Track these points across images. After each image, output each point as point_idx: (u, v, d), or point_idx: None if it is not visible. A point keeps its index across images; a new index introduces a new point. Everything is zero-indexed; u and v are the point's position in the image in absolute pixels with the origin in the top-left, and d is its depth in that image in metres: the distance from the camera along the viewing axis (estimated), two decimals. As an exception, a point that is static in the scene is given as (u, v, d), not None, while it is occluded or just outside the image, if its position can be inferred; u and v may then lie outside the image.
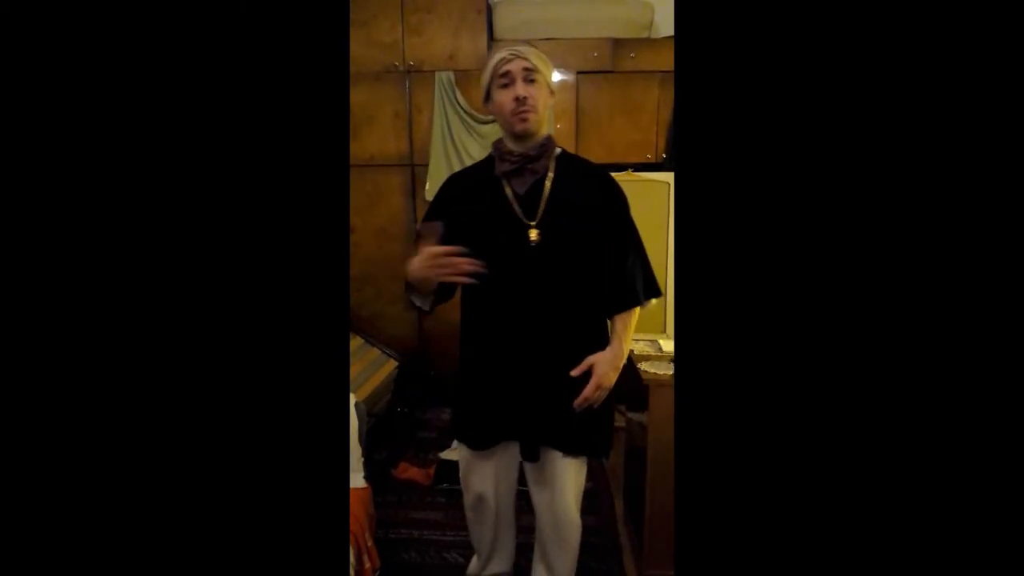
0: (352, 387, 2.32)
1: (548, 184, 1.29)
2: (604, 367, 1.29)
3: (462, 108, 2.94)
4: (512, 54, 1.23)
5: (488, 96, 1.29)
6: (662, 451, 1.67)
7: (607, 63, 2.90)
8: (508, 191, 1.30)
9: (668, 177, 2.16)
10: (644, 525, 1.75)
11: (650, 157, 2.94)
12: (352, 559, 1.55)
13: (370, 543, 1.68)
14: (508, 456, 1.44)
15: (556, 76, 2.96)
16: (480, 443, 1.43)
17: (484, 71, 1.28)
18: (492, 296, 1.29)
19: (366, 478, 1.81)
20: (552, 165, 1.30)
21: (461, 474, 1.52)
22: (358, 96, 2.97)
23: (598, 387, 1.28)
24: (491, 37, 2.98)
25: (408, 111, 3.02)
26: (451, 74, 2.93)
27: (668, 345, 1.93)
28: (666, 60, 2.84)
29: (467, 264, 1.16)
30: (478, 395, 1.39)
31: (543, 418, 1.34)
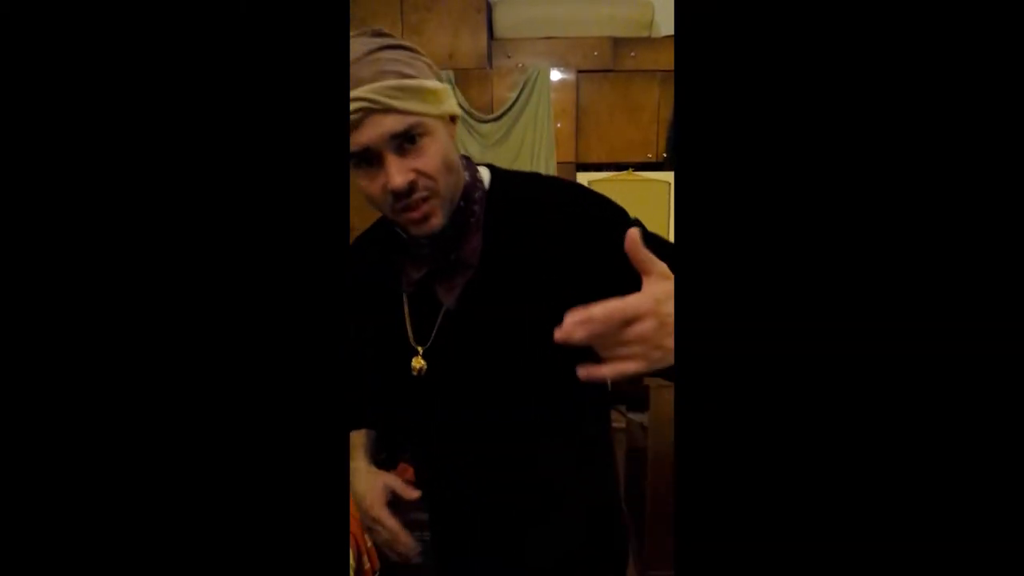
0: (352, 387, 2.32)
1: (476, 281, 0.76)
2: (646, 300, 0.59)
3: (462, 107, 2.94)
4: (363, 108, 0.63)
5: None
6: (662, 452, 1.67)
7: (607, 62, 2.90)
8: (406, 304, 0.81)
9: (668, 176, 2.15)
10: (644, 526, 1.76)
11: (651, 156, 2.94)
12: (352, 560, 1.55)
13: (370, 544, 1.68)
14: None
15: (556, 75, 2.96)
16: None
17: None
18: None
19: (365, 478, 1.81)
20: (481, 235, 0.76)
21: None
22: (358, 95, 2.98)
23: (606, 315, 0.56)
24: (491, 36, 2.98)
25: (408, 110, 3.02)
26: (451, 73, 2.93)
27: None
28: (666, 59, 2.84)
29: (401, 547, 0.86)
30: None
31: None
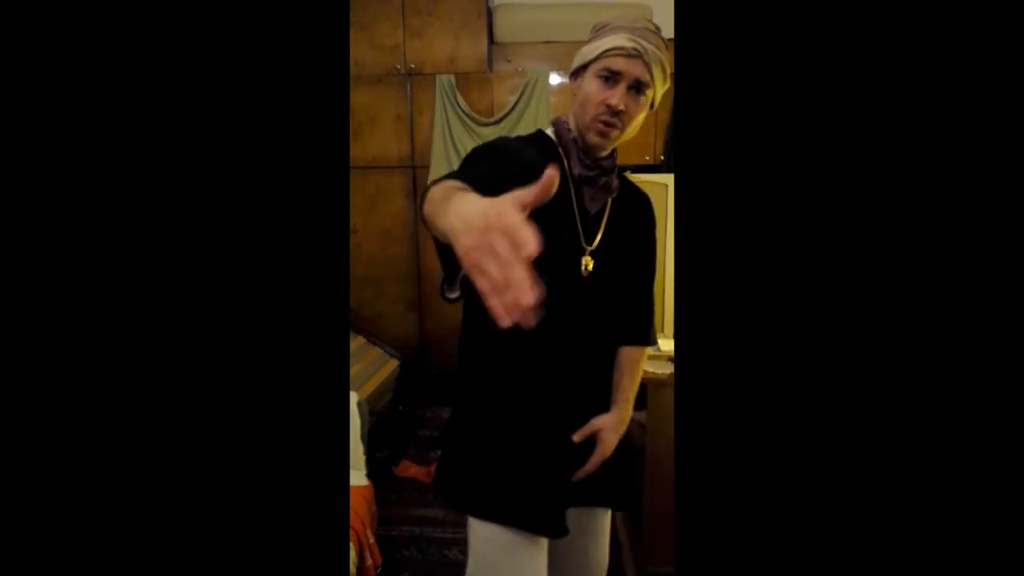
0: (354, 386, 2.34)
1: (608, 208, 1.04)
2: (610, 435, 1.05)
3: (463, 111, 2.96)
4: (634, 49, 0.93)
5: (577, 73, 1.01)
6: (661, 449, 1.69)
7: (606, 66, 2.91)
8: (574, 200, 1.01)
9: (666, 178, 2.17)
10: (643, 522, 1.77)
11: (648, 159, 2.96)
12: (354, 556, 1.56)
13: (371, 540, 1.70)
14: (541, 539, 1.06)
15: (556, 79, 2.98)
16: (539, 520, 1.03)
17: (590, 45, 0.99)
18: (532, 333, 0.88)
19: (368, 476, 1.83)
20: (615, 179, 1.05)
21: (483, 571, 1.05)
22: (360, 98, 3.00)
23: (602, 457, 1.04)
24: (491, 40, 3.00)
25: (409, 113, 3.04)
26: (452, 77, 2.95)
27: (666, 344, 1.95)
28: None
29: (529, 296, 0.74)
30: (521, 452, 1.03)
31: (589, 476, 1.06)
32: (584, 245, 1.01)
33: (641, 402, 1.72)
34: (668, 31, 3.07)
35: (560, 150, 1.02)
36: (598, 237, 1.02)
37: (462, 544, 2.00)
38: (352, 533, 1.57)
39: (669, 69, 0.97)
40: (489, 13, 2.98)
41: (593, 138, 0.97)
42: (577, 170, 1.00)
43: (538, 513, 1.02)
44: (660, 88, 0.99)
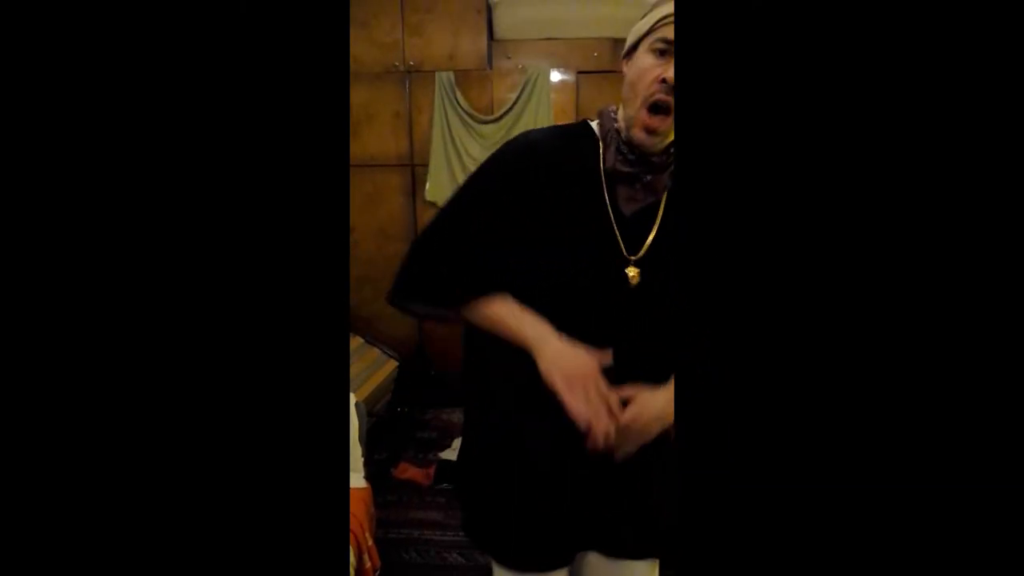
0: (352, 387, 2.32)
1: (661, 210, 0.87)
2: (647, 406, 0.81)
3: (462, 108, 2.94)
4: None
5: (630, 53, 0.85)
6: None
7: (607, 63, 2.91)
8: (607, 199, 0.87)
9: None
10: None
11: (650, 157, 2.95)
12: (352, 558, 1.55)
13: (370, 543, 1.68)
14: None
15: (556, 76, 2.97)
16: (547, 561, 0.94)
17: (641, 20, 0.84)
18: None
19: (366, 478, 1.81)
20: (668, 185, 0.88)
21: None
22: (358, 96, 2.98)
23: (632, 420, 0.80)
24: (491, 37, 2.99)
25: (408, 111, 3.02)
26: (451, 74, 2.94)
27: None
28: (666, 60, 2.85)
29: (604, 420, 0.76)
30: (537, 489, 0.91)
31: (624, 518, 0.93)
32: (627, 255, 0.86)
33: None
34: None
35: (600, 143, 0.88)
36: (646, 244, 0.86)
37: (461, 547, 1.98)
38: (351, 536, 1.55)
39: None
40: (489, 10, 2.97)
41: (646, 132, 0.81)
42: (611, 163, 0.86)
43: (550, 555, 0.94)
44: None
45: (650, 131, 0.80)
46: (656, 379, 0.83)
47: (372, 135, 3.04)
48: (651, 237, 0.86)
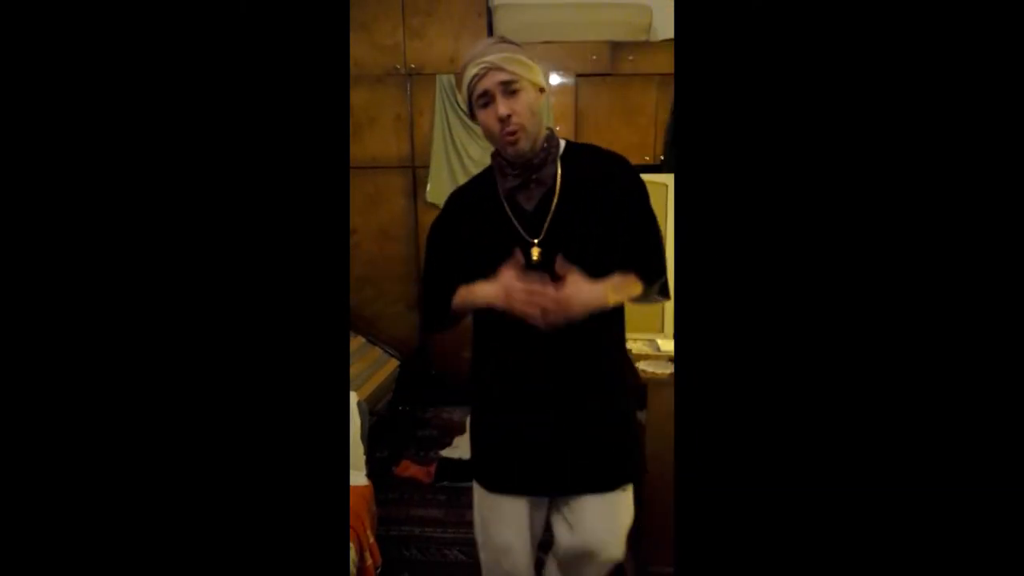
0: (354, 386, 2.34)
1: (556, 196, 1.16)
2: (579, 288, 1.06)
3: (463, 111, 2.96)
4: (484, 68, 1.07)
5: (472, 115, 1.16)
6: (660, 449, 1.69)
7: (606, 66, 2.92)
8: (508, 209, 1.17)
9: (666, 178, 2.17)
10: (642, 522, 1.77)
11: (648, 159, 2.96)
12: (354, 556, 1.56)
13: (371, 540, 1.70)
14: (535, 499, 1.26)
15: (556, 79, 2.98)
16: (504, 485, 1.23)
17: (461, 89, 1.14)
18: (502, 321, 1.11)
19: (368, 476, 1.83)
20: (559, 170, 1.16)
21: (478, 523, 1.31)
22: (360, 98, 2.99)
23: (565, 298, 1.04)
24: (491, 40, 3.00)
25: (409, 113, 3.04)
26: (452, 77, 2.95)
27: (666, 344, 1.95)
28: (664, 63, 2.86)
29: (542, 300, 1.04)
30: (498, 431, 1.22)
31: (570, 454, 1.18)
32: (528, 239, 1.15)
33: (641, 402, 1.72)
34: (668, 31, 3.05)
35: (497, 173, 1.19)
36: (544, 227, 1.15)
37: (462, 544, 2.00)
38: (352, 533, 1.57)
39: (523, 55, 1.10)
40: (489, 13, 2.98)
41: (509, 150, 1.12)
42: (505, 185, 1.17)
43: (508, 480, 1.23)
44: (532, 74, 1.10)
45: (513, 144, 1.10)
46: (567, 333, 1.09)
47: (374, 137, 3.06)
48: (547, 223, 1.15)
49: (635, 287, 1.17)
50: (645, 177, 1.30)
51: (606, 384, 1.21)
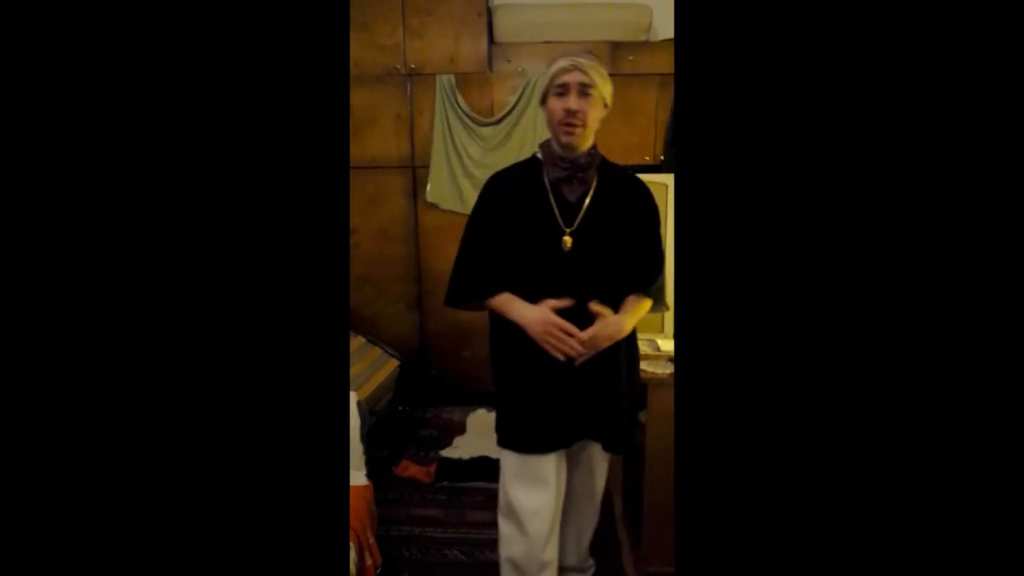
0: (354, 386, 2.34)
1: (590, 196, 1.36)
2: (608, 323, 1.32)
3: (463, 111, 2.96)
4: (571, 65, 1.27)
5: (544, 100, 1.34)
6: (660, 449, 1.69)
7: (606, 66, 2.90)
8: (552, 197, 1.35)
9: (666, 178, 2.18)
10: (642, 522, 1.77)
11: (648, 159, 2.96)
12: (354, 556, 1.56)
13: (371, 540, 1.70)
14: (560, 457, 1.44)
15: (556, 79, 2.97)
16: (535, 444, 1.40)
17: (544, 76, 1.32)
18: (527, 300, 1.33)
19: (368, 476, 1.83)
20: (596, 175, 1.37)
21: (506, 493, 1.45)
22: (360, 98, 2.99)
23: (591, 338, 1.30)
24: (491, 40, 3.00)
25: (409, 113, 3.04)
26: (452, 77, 2.95)
27: (666, 344, 1.95)
28: (664, 63, 2.86)
29: (569, 348, 1.28)
30: (524, 400, 1.40)
31: (588, 417, 1.40)
32: (563, 227, 1.34)
33: (641, 402, 1.72)
34: (668, 31, 3.05)
35: (543, 164, 1.37)
36: (578, 220, 1.34)
37: (462, 544, 2.00)
38: (352, 533, 1.57)
39: (606, 72, 1.33)
40: (489, 13, 2.98)
41: (563, 138, 1.30)
42: (552, 174, 1.35)
43: (538, 441, 1.40)
44: (605, 88, 1.31)
45: (568, 133, 1.28)
46: (586, 312, 1.31)
47: (373, 137, 3.06)
48: (581, 215, 1.34)
49: (646, 306, 1.42)
50: (645, 177, 1.45)
51: (619, 358, 1.41)
